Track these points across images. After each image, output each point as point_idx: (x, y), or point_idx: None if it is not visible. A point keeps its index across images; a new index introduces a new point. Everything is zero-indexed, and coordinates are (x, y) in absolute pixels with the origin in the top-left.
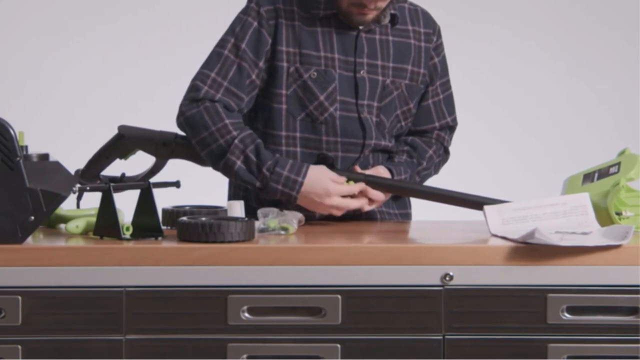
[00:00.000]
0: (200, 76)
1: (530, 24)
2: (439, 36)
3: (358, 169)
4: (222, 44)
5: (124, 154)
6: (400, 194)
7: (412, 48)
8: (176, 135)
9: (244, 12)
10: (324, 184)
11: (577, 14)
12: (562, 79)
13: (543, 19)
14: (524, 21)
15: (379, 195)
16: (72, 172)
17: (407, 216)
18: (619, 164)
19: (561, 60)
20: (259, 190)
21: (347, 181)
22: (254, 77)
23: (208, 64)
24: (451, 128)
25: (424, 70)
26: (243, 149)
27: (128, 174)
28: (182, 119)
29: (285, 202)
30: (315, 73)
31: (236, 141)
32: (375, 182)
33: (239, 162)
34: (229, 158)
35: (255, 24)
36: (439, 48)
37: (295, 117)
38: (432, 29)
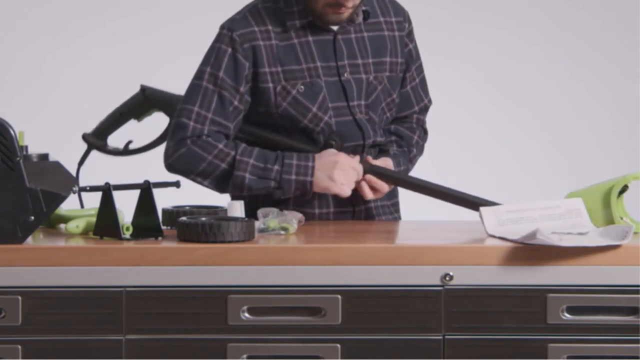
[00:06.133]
0: (185, 112)
1: (529, 24)
2: (410, 22)
3: (370, 159)
4: (199, 75)
5: (140, 114)
6: (402, 187)
7: (387, 40)
8: None
9: (217, 39)
10: (332, 157)
11: (576, 13)
12: (562, 80)
13: (542, 19)
14: (523, 21)
15: (383, 186)
16: (72, 171)
17: (396, 205)
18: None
19: (561, 61)
20: (275, 190)
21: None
22: (236, 103)
23: (189, 98)
24: (427, 109)
25: (401, 59)
26: (247, 160)
27: (135, 145)
28: (171, 161)
29: (302, 194)
30: (303, 87)
31: (238, 157)
32: (380, 173)
33: (247, 175)
34: (237, 175)
35: (230, 49)
36: (411, 34)
37: (293, 132)
38: (402, 17)
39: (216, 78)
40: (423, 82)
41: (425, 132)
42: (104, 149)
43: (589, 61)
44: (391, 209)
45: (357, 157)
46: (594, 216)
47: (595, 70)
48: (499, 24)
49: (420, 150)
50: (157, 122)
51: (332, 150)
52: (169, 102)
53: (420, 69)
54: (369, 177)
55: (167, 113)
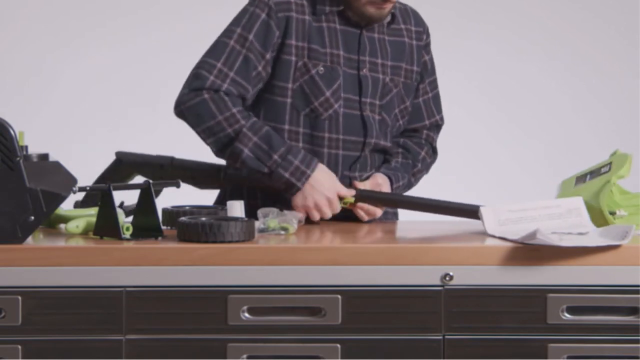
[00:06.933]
0: (206, 65)
1: (529, 24)
2: (428, 35)
3: (358, 184)
4: (227, 34)
5: (122, 180)
6: (394, 207)
7: (406, 46)
8: (172, 158)
9: (252, 3)
10: (327, 191)
11: (576, 13)
12: (562, 80)
13: (542, 19)
14: (523, 21)
15: (375, 211)
16: (73, 173)
17: (395, 214)
18: (610, 164)
19: (561, 61)
20: (264, 176)
21: (342, 198)
22: (260, 69)
23: (213, 53)
24: (439, 127)
25: (416, 68)
26: (251, 136)
27: (126, 202)
28: (183, 107)
29: (284, 191)
30: (323, 69)
31: (244, 129)
32: (369, 197)
33: (246, 150)
34: (237, 146)
35: (264, 15)
36: (428, 47)
37: (300, 111)
38: (422, 28)
39: (245, 40)
40: (436, 98)
41: (434, 151)
42: None
43: (589, 61)
44: (392, 217)
45: (336, 196)
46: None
47: (595, 71)
48: (499, 24)
49: (426, 167)
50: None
51: (332, 179)
52: (147, 164)
53: (434, 84)
54: (361, 204)
55: (146, 175)
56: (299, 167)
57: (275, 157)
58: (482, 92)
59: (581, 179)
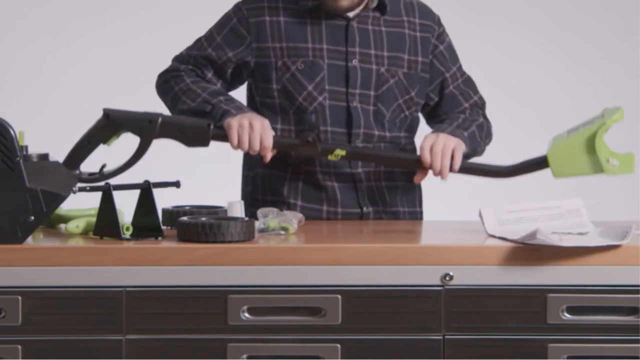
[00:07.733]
0: (179, 55)
1: (530, 24)
2: (440, 25)
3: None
4: (206, 32)
5: (108, 138)
6: (371, 162)
7: (407, 37)
8: (161, 115)
9: (232, 7)
10: (263, 121)
11: (577, 14)
12: (563, 79)
13: (543, 19)
14: (524, 21)
15: (443, 172)
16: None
17: (415, 215)
18: (602, 115)
19: (562, 61)
20: (204, 117)
21: (333, 151)
22: (223, 66)
23: (189, 46)
24: (480, 105)
25: (422, 59)
26: (200, 93)
27: (109, 165)
28: (156, 87)
29: (218, 119)
30: (302, 64)
31: (192, 87)
32: (357, 154)
33: (193, 104)
34: (184, 100)
35: (235, 19)
36: (441, 36)
37: (288, 110)
38: (430, 20)
39: (213, 40)
40: (468, 81)
41: (485, 117)
42: (80, 177)
43: (589, 61)
44: (407, 217)
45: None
46: (581, 164)
47: (595, 70)
48: (500, 24)
49: (484, 116)
50: (128, 142)
51: (266, 123)
52: (135, 121)
53: (461, 71)
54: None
55: (134, 132)
56: (241, 107)
57: (221, 97)
58: (483, 91)
59: (573, 130)
